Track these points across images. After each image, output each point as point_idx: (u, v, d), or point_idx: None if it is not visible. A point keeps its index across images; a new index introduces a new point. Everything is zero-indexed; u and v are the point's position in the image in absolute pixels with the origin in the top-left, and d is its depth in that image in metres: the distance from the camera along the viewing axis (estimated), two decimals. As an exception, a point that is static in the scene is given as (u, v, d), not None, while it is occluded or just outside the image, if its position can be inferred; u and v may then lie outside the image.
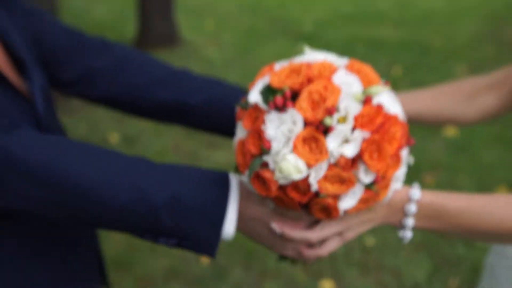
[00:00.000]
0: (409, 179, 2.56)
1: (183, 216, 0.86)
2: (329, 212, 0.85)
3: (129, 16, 6.33)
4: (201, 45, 5.65)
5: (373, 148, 0.81)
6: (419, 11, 7.15)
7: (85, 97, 1.19)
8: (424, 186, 3.07)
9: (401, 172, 0.88)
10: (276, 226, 0.91)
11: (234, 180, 0.90)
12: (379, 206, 0.92)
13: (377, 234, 2.83)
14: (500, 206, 0.92)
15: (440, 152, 3.65)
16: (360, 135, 0.80)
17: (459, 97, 1.29)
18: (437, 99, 1.29)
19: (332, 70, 0.84)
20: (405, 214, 0.92)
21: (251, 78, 4.99)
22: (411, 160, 0.91)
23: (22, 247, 1.01)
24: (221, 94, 1.16)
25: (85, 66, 1.16)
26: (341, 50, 5.62)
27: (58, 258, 1.07)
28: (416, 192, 0.92)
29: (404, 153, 0.86)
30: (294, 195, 0.82)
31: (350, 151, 0.80)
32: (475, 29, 6.29)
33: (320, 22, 6.61)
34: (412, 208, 0.91)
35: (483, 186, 3.22)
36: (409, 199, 0.91)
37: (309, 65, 0.85)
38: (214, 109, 1.15)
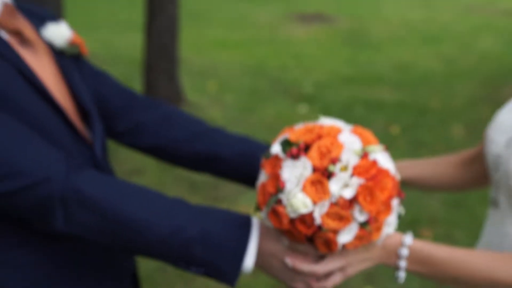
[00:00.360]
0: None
1: (211, 249, 1.03)
2: (330, 245, 1.01)
3: (135, 78, 6.53)
4: (204, 105, 5.81)
5: (367, 192, 0.98)
6: (417, 73, 7.36)
7: (132, 146, 1.40)
8: (421, 239, 3.13)
9: (392, 219, 1.04)
10: (289, 260, 1.07)
11: (255, 222, 1.07)
12: (375, 247, 1.07)
13: (376, 283, 2.87)
14: (476, 260, 1.07)
15: (437, 207, 3.73)
16: (357, 181, 0.98)
17: (457, 165, 1.41)
18: (439, 166, 1.44)
19: (339, 131, 1.04)
20: (398, 256, 1.07)
21: (253, 137, 5.08)
22: (402, 210, 1.07)
23: (65, 268, 1.16)
24: (249, 149, 1.35)
25: (135, 121, 1.37)
26: (340, 110, 5.78)
27: (96, 280, 1.21)
28: (408, 238, 1.07)
29: (395, 203, 1.04)
30: (301, 228, 0.99)
31: (348, 193, 0.98)
32: (472, 91, 6.46)
33: (320, 84, 6.81)
34: (405, 251, 1.07)
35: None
36: (402, 244, 1.07)
37: (321, 126, 1.05)
38: (242, 162, 1.35)
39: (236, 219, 1.07)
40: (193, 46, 8.22)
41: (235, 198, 3.85)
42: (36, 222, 1.05)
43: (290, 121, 5.40)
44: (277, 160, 1.04)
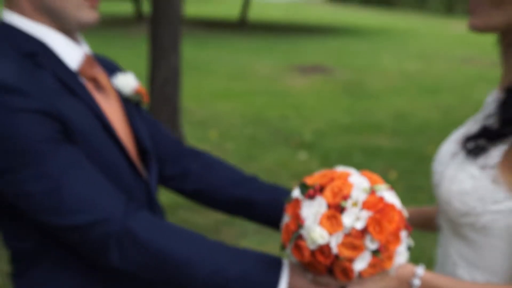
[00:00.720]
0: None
1: (247, 287, 1.17)
2: (347, 274, 1.15)
3: (137, 126, 6.67)
4: (205, 153, 5.91)
5: (376, 223, 1.13)
6: (414, 122, 7.51)
7: (176, 190, 1.55)
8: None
9: (402, 249, 1.18)
10: None
11: (285, 263, 1.21)
12: (389, 276, 1.20)
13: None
14: None
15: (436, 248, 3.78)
16: (366, 214, 1.13)
17: None
18: (432, 214, 1.56)
19: (349, 174, 1.20)
20: (411, 286, 1.20)
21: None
22: (411, 242, 1.20)
23: None
24: (280, 196, 1.49)
25: (181, 167, 1.53)
26: (339, 157, 5.89)
27: None
28: (420, 270, 1.19)
29: (403, 235, 1.17)
30: (320, 258, 1.13)
31: (359, 224, 1.12)
32: (468, 139, 6.57)
33: (319, 132, 6.95)
34: (416, 282, 1.19)
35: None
36: (414, 275, 1.19)
37: (333, 172, 1.21)
38: (273, 207, 1.49)
39: (269, 260, 1.21)
40: (195, 96, 8.40)
41: (236, 242, 3.91)
42: (92, 257, 1.18)
43: (290, 168, 5.51)
44: (297, 202, 1.19)
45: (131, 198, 1.25)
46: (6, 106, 1.11)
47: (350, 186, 1.15)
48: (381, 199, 1.14)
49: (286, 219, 1.21)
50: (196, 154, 1.57)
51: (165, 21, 5.70)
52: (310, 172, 5.36)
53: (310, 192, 1.16)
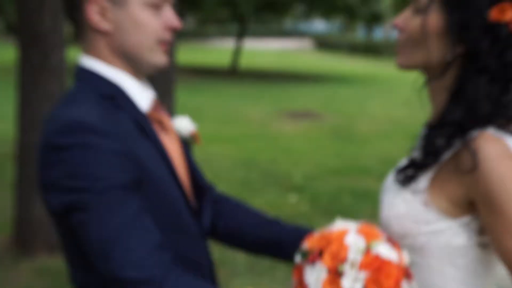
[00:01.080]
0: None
1: None
2: None
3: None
4: (198, 195, 6.03)
5: (373, 282, 1.21)
6: (401, 166, 7.67)
7: (209, 233, 1.61)
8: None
9: None
10: None
11: None
12: None
13: None
14: None
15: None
16: (363, 275, 1.22)
17: None
18: None
19: (345, 233, 1.28)
20: None
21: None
22: (415, 287, 1.29)
23: None
24: (303, 235, 1.55)
25: (215, 211, 1.62)
26: (329, 199, 6.05)
27: None
28: None
29: (405, 285, 1.25)
30: None
31: (358, 287, 1.21)
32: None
33: (308, 175, 7.11)
34: None
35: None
36: None
37: (330, 233, 1.30)
38: (298, 246, 1.55)
39: None
40: (187, 141, 8.54)
41: (229, 281, 3.99)
42: None
43: (280, 210, 5.62)
44: (300, 268, 1.27)
45: (188, 233, 1.36)
46: (90, 146, 1.18)
47: (346, 248, 1.23)
48: (376, 257, 1.22)
49: (294, 283, 1.30)
50: (226, 199, 1.67)
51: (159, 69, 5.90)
52: (300, 215, 5.51)
53: (310, 258, 1.25)
